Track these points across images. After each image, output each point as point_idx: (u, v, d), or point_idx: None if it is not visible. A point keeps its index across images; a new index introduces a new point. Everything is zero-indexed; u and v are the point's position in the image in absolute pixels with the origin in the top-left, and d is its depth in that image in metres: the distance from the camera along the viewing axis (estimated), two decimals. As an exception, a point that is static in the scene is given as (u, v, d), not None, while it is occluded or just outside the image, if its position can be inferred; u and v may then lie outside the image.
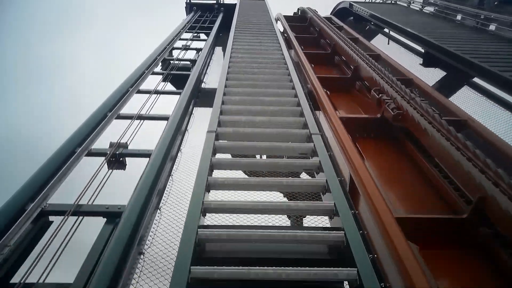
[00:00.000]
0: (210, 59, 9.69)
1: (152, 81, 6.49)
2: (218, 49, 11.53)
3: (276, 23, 12.45)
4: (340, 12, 16.29)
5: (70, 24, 42.35)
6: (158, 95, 5.49)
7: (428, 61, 7.74)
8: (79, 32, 43.50)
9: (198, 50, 8.34)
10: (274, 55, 7.04)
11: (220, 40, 12.05)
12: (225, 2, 14.17)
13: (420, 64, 7.92)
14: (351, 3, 14.26)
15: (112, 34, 44.33)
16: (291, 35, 10.14)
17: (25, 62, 33.85)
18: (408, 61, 10.84)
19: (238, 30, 9.04)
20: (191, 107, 5.98)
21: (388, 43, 13.96)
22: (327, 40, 10.11)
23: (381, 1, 16.21)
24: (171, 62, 7.40)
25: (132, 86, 5.51)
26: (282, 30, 11.96)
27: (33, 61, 34.58)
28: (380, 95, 5.23)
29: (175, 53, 8.41)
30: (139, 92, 5.54)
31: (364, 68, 6.53)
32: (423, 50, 8.10)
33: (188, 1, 13.70)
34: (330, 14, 16.38)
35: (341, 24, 12.31)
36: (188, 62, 7.35)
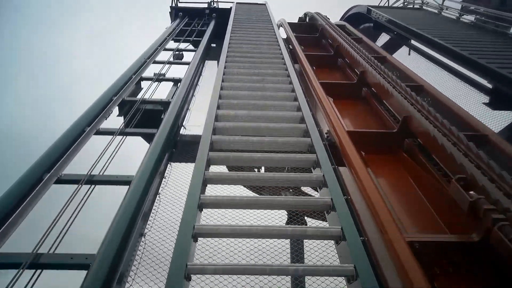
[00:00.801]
0: (197, 83, 7.53)
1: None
2: (212, 63, 9.42)
3: (278, 29, 10.26)
4: (352, 17, 14.03)
5: (66, 16, 40.62)
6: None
7: (498, 102, 5.46)
8: (75, 24, 41.97)
9: (177, 81, 6.05)
10: (284, 110, 4.61)
11: (213, 51, 9.92)
12: (218, 7, 11.82)
13: (485, 103, 5.60)
14: (369, 8, 11.96)
15: (108, 27, 42.78)
16: (300, 54, 7.92)
17: (22, 58, 32.86)
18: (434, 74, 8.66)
19: (230, 56, 6.67)
20: (162, 165, 3.93)
21: (409, 54, 11.86)
22: (347, 60, 7.88)
23: (401, 5, 13.88)
24: (140, 99, 5.16)
25: (53, 168, 3.25)
26: (284, 37, 9.77)
27: (29, 57, 33.46)
28: (473, 194, 3.01)
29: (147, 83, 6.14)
30: (61, 182, 3.24)
31: (419, 122, 4.32)
32: (489, 85, 5.76)
33: (173, 5, 11.30)
34: (341, 19, 14.14)
35: (359, 35, 10.07)
36: (159, 104, 5.08)
